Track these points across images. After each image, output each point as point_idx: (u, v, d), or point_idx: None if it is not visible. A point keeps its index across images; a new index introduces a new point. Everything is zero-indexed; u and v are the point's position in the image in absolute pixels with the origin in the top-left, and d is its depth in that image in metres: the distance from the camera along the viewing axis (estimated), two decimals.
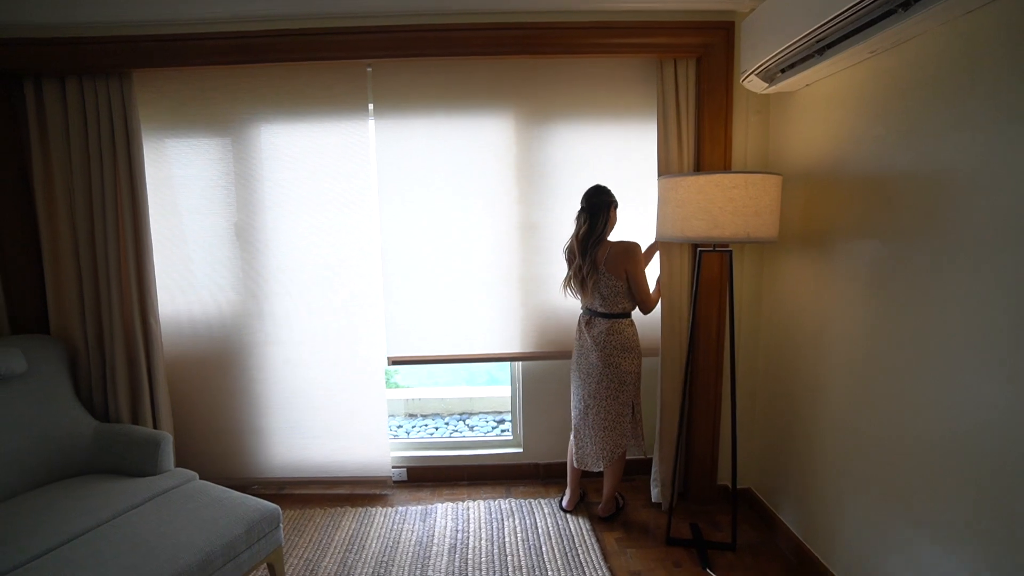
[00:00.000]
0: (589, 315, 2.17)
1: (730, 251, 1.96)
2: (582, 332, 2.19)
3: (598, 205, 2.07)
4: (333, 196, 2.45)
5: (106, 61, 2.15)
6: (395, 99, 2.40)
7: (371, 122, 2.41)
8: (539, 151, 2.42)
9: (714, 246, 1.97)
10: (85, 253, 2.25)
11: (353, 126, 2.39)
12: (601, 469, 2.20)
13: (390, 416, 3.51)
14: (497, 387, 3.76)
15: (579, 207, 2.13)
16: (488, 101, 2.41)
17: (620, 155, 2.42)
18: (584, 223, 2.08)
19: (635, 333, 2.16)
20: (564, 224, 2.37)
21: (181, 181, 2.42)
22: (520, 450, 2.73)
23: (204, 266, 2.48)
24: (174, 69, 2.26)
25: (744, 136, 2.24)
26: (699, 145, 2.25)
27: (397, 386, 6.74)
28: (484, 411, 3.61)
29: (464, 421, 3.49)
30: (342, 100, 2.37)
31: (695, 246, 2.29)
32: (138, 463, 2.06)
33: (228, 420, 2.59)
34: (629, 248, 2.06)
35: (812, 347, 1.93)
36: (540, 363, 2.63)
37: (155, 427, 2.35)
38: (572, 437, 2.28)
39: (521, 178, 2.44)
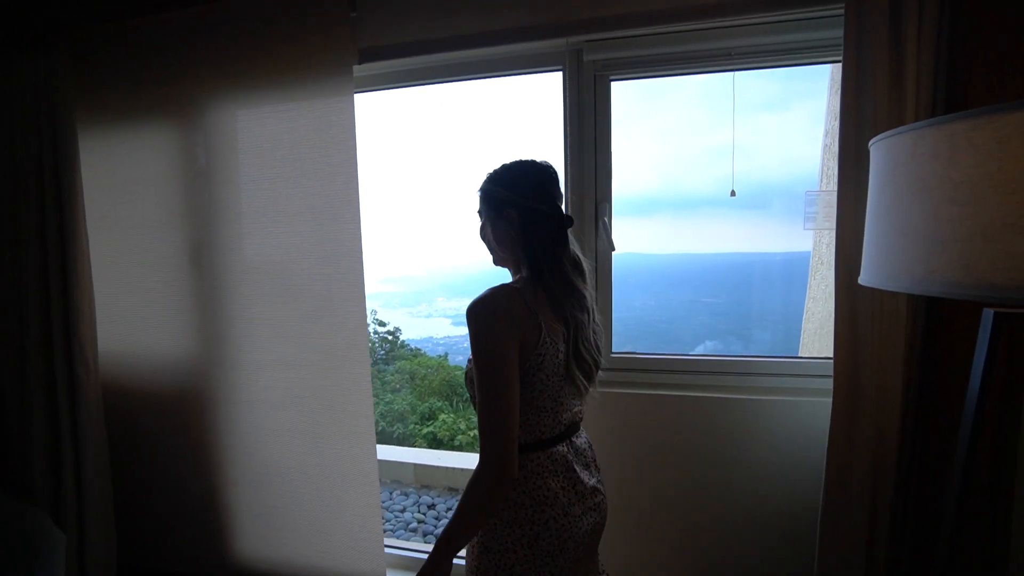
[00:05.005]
0: (575, 435, 0.99)
1: None
2: (578, 484, 0.94)
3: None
4: (308, 204, 1.64)
5: (27, 19, 1.58)
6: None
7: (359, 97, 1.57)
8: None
9: None
10: (5, 282, 1.70)
11: (333, 103, 1.56)
12: None
13: (423, 488, 2.64)
14: None
15: (542, 203, 0.94)
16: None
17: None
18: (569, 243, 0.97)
19: None
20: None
21: (126, 186, 1.79)
22: None
23: (157, 298, 1.81)
24: (107, 28, 1.63)
25: None
26: (953, 59, 1.00)
27: None
28: None
29: None
30: (319, 61, 1.54)
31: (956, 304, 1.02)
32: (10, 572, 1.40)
33: (185, 498, 1.89)
34: None
35: None
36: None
37: (79, 506, 1.71)
38: None
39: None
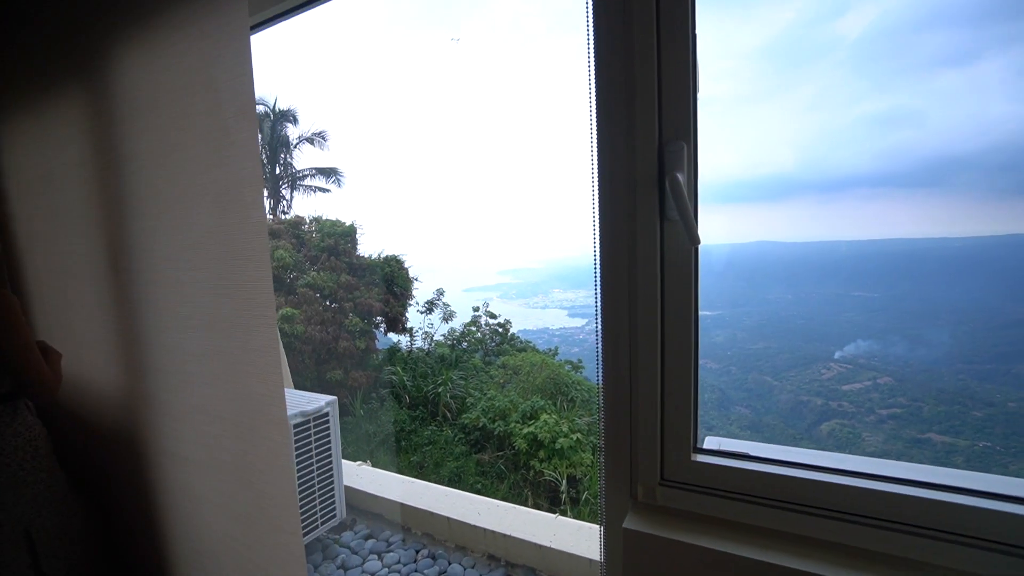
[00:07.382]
0: None
1: None
2: None
3: None
4: (206, 186, 1.07)
5: None
6: None
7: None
8: None
9: None
10: None
11: (223, 41, 0.96)
12: None
13: (458, 549, 1.98)
14: None
15: None
16: None
17: None
18: None
19: None
20: None
21: (55, 172, 1.41)
22: None
23: (79, 316, 1.42)
24: None
25: None
26: None
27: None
28: None
29: None
30: None
31: None
32: None
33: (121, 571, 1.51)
34: None
35: None
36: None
37: None
38: None
39: None
